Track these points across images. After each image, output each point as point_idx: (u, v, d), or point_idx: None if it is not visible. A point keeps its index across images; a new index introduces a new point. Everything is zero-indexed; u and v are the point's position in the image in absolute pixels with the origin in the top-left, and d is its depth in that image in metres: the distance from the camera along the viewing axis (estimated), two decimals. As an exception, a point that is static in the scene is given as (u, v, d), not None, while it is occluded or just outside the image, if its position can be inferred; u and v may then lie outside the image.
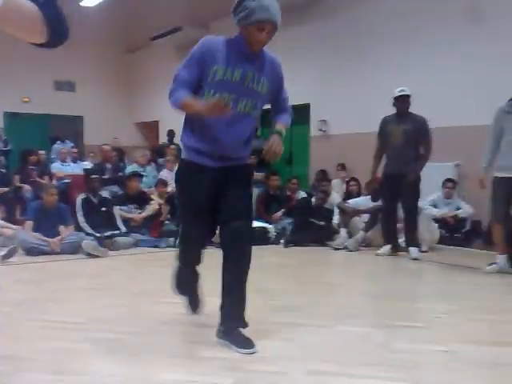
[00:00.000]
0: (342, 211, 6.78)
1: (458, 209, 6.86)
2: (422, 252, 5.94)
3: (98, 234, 6.09)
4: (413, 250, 5.73)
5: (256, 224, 6.98)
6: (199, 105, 2.63)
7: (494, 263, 4.95)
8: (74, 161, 9.32)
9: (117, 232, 6.32)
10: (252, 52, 2.75)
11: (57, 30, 1.40)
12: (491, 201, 4.93)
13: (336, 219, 6.90)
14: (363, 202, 6.78)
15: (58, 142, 11.04)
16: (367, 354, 2.75)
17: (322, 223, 6.91)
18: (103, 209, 6.48)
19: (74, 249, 5.74)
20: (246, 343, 2.74)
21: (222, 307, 2.85)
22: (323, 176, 8.38)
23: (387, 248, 5.94)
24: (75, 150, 9.87)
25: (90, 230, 6.12)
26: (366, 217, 6.66)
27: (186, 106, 2.70)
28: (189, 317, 3.36)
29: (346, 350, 2.81)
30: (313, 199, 7.19)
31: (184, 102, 2.68)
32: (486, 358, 2.71)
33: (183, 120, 2.89)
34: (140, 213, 6.83)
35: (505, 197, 4.84)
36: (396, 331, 3.16)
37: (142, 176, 7.55)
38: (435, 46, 7.51)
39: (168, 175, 8.35)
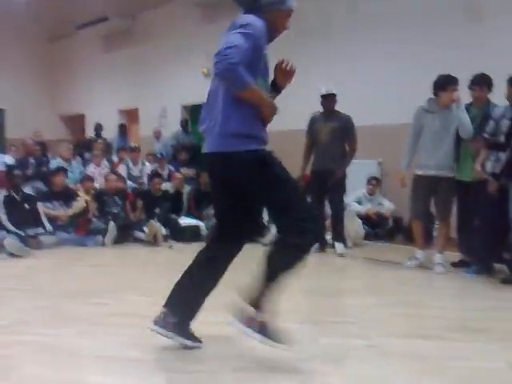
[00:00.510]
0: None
1: (380, 205, 7.15)
2: (347, 248, 6.15)
3: (21, 233, 5.84)
4: (339, 246, 5.93)
5: (187, 221, 6.98)
6: (266, 100, 2.54)
7: (414, 258, 5.21)
8: (-5, 156, 8.86)
9: (41, 231, 6.09)
10: (273, 38, 2.70)
11: None
12: (411, 198, 5.17)
13: (266, 216, 6.97)
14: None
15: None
16: (295, 349, 2.83)
17: (253, 220, 6.98)
18: (27, 206, 6.22)
19: (-5, 248, 5.49)
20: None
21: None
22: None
23: (315, 245, 6.08)
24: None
25: (12, 229, 5.86)
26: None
27: (252, 93, 2.45)
28: (117, 318, 3.33)
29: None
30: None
31: (253, 88, 2.44)
32: (409, 351, 2.86)
33: (227, 106, 2.52)
34: (66, 210, 6.61)
35: (424, 194, 5.08)
36: (322, 326, 3.27)
37: (67, 171, 7.31)
38: (360, 46, 7.76)
39: (95, 170, 8.15)
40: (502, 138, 4.58)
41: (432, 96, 5.02)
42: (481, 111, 4.97)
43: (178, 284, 2.79)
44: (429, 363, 2.70)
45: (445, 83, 4.91)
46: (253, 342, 2.55)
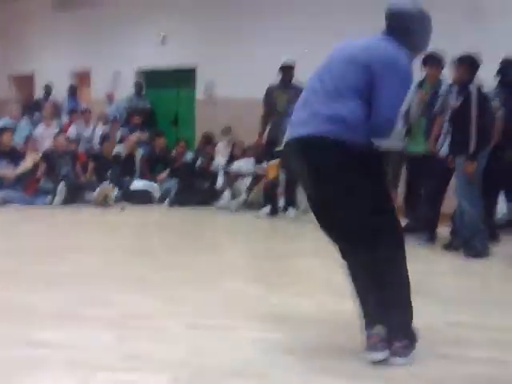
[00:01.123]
0: (226, 174, 6.89)
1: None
2: (300, 213, 6.24)
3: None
4: (291, 211, 6.03)
5: (140, 184, 6.90)
6: None
7: None
8: None
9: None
10: None
11: None
12: None
13: (220, 181, 7.01)
14: (247, 165, 6.93)
15: None
16: (244, 308, 2.88)
17: (207, 185, 6.99)
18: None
19: None
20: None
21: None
22: (209, 139, 8.41)
23: (266, 209, 6.17)
24: None
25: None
26: (248, 179, 6.83)
27: None
28: (69, 277, 3.29)
29: (224, 305, 2.93)
30: (198, 161, 7.22)
31: None
32: (352, 310, 2.95)
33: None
34: (13, 169, 6.41)
35: None
36: (270, 286, 3.33)
37: (14, 131, 7.05)
38: (326, 18, 7.75)
39: (44, 131, 7.90)
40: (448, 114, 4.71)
41: None
42: (433, 88, 5.09)
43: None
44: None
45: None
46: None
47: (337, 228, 2.46)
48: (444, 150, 4.72)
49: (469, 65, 4.41)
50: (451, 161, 4.51)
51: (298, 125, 2.40)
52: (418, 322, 2.56)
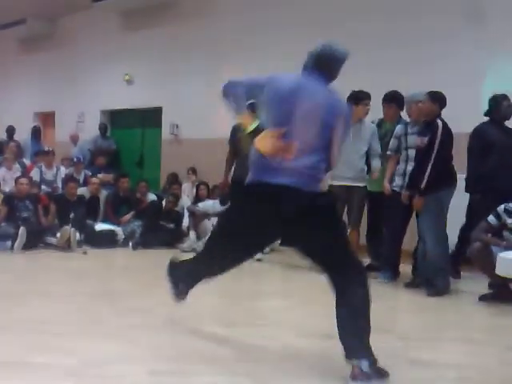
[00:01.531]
0: (192, 214, 6.88)
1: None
2: (264, 253, 6.25)
3: None
4: (257, 252, 6.02)
5: (104, 226, 6.81)
6: None
7: None
8: None
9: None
10: None
11: None
12: None
13: (186, 222, 6.98)
14: (212, 205, 6.94)
15: None
16: (207, 352, 2.85)
17: (172, 226, 6.95)
18: None
19: None
20: None
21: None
22: (174, 179, 8.43)
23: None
24: None
25: None
26: (214, 220, 6.82)
27: None
28: (25, 323, 3.20)
29: (187, 350, 2.88)
30: (163, 202, 7.20)
31: None
32: (317, 351, 2.96)
33: None
34: (-28, 214, 6.25)
35: (338, 203, 5.28)
36: (237, 329, 3.31)
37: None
38: (294, 59, 7.94)
39: (6, 174, 7.77)
40: (405, 153, 4.85)
41: None
42: (392, 127, 5.25)
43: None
44: (335, 362, 2.79)
45: (358, 98, 5.18)
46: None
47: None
48: (398, 185, 4.85)
49: (437, 100, 4.55)
50: (406, 197, 4.61)
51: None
52: (380, 358, 2.59)
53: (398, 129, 4.98)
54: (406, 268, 4.96)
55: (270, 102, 2.63)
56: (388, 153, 5.05)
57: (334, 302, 2.56)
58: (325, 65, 2.64)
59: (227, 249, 2.74)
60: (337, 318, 2.54)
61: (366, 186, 5.29)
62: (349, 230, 5.52)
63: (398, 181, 4.89)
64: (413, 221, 4.86)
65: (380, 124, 5.40)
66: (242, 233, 2.60)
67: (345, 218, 5.49)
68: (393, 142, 4.99)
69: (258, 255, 5.95)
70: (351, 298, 2.54)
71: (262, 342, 3.07)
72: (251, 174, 2.62)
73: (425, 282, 4.49)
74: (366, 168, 5.28)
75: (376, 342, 2.59)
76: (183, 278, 3.04)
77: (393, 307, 4.12)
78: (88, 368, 2.54)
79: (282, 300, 4.21)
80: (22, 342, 2.86)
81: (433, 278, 4.42)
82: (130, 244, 6.59)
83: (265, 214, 2.51)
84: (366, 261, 5.45)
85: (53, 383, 2.37)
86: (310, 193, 2.51)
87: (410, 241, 4.99)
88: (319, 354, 2.91)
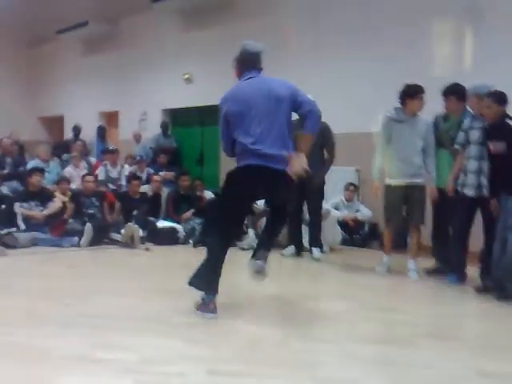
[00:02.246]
0: (251, 212, 6.89)
1: (358, 211, 7.23)
2: (324, 252, 6.19)
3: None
4: (315, 251, 5.97)
5: (165, 224, 6.95)
6: None
7: (382, 263, 5.27)
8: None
9: (14, 229, 6.02)
10: None
11: None
12: (384, 206, 5.24)
13: (244, 220, 6.99)
14: (271, 203, 6.93)
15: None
16: (268, 354, 2.85)
17: (230, 224, 6.99)
18: (3, 206, 6.15)
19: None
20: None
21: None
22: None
23: (291, 248, 6.13)
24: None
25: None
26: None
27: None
28: (89, 319, 3.30)
29: (247, 350, 2.89)
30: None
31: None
32: (380, 356, 2.89)
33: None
34: (42, 210, 6.54)
35: (396, 203, 5.15)
36: (294, 330, 3.28)
37: (44, 171, 7.23)
38: (338, 58, 7.86)
39: (73, 172, 8.08)
40: (472, 148, 4.65)
41: (397, 105, 5.08)
42: (456, 120, 5.03)
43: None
44: (396, 369, 2.72)
45: (413, 92, 4.99)
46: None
47: None
48: (461, 184, 4.66)
49: (502, 101, 4.36)
50: (494, 203, 4.36)
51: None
52: (445, 368, 2.49)
53: (467, 122, 4.76)
54: (471, 271, 4.76)
55: (235, 118, 3.45)
56: (456, 147, 4.82)
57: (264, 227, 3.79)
58: (249, 61, 3.58)
59: (230, 213, 3.52)
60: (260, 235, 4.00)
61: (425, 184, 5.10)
62: (411, 231, 5.36)
63: (462, 178, 4.70)
64: (477, 222, 4.66)
65: (445, 117, 5.19)
66: (240, 196, 3.47)
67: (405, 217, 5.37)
68: (460, 136, 4.75)
69: (317, 255, 5.91)
70: (274, 227, 3.72)
71: (319, 345, 3.02)
72: (242, 161, 3.44)
73: (496, 285, 4.28)
74: (423, 164, 5.08)
75: (444, 349, 2.49)
76: (202, 283, 3.48)
77: (459, 313, 3.96)
78: (149, 365, 2.59)
79: (339, 302, 4.14)
80: (86, 338, 2.95)
81: (504, 281, 4.21)
82: (191, 241, 6.70)
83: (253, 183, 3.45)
84: (430, 263, 5.31)
85: (114, 379, 2.42)
86: (276, 169, 3.39)
87: (475, 243, 4.79)
88: (378, 358, 2.85)
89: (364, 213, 7.20)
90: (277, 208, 3.67)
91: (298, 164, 3.39)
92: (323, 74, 7.88)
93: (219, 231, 3.58)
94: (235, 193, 3.47)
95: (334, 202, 7.19)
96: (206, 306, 3.37)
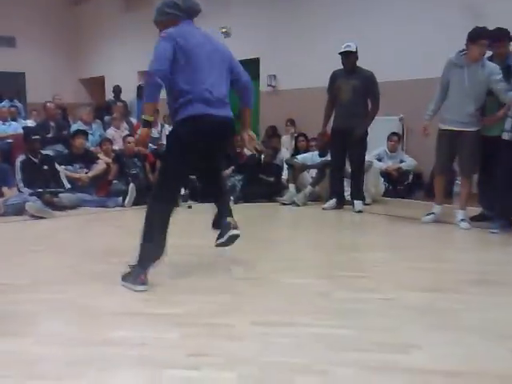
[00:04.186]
0: (291, 167, 6.86)
1: (402, 162, 7.07)
2: (366, 205, 6.11)
3: (40, 190, 5.94)
4: (357, 203, 5.90)
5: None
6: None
7: (432, 213, 5.16)
8: (14, 119, 8.95)
9: (61, 189, 6.19)
10: None
11: None
12: (435, 152, 5.08)
13: (285, 175, 6.98)
14: (311, 157, 6.87)
15: (6, 100, 10.51)
16: (310, 304, 2.86)
17: (272, 179, 6.99)
18: (45, 167, 6.30)
19: (18, 210, 5.59)
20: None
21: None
22: (273, 132, 8.42)
23: (333, 202, 6.08)
24: (13, 109, 9.44)
25: (29, 191, 5.94)
26: (313, 172, 6.76)
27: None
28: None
29: (289, 301, 2.91)
30: (262, 156, 7.23)
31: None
32: (424, 304, 2.87)
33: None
34: (87, 172, 6.69)
35: (448, 149, 4.99)
36: (338, 281, 3.28)
37: (87, 134, 7.35)
38: (383, 3, 7.53)
39: (115, 133, 8.18)
40: None
41: (463, 48, 4.83)
42: (502, 66, 4.79)
43: None
44: (443, 316, 2.70)
45: (475, 36, 4.69)
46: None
47: None
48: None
49: None
50: None
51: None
52: (492, 313, 2.44)
53: None
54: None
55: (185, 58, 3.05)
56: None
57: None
58: (192, 10, 3.28)
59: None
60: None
61: (478, 131, 4.90)
62: (460, 180, 5.20)
63: (506, 125, 4.52)
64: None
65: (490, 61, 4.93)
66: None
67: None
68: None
69: (360, 207, 5.84)
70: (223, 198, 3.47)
71: (362, 294, 3.01)
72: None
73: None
74: (475, 112, 4.86)
75: (492, 295, 2.41)
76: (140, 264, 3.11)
77: (506, 260, 3.86)
78: (194, 318, 2.65)
79: (383, 252, 4.10)
80: (132, 294, 3.03)
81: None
82: (232, 198, 6.73)
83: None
84: (477, 210, 5.18)
85: (162, 332, 2.48)
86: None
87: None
88: (422, 306, 2.81)
89: (408, 163, 7.04)
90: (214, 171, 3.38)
91: (253, 141, 3.30)
92: (377, 21, 7.60)
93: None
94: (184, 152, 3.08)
95: (376, 153, 7.05)
96: (137, 277, 3.06)
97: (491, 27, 4.81)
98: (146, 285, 3.05)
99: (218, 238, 3.31)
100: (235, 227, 3.26)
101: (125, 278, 3.14)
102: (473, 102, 4.82)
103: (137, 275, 3.07)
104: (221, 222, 3.30)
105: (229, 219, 3.28)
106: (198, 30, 3.24)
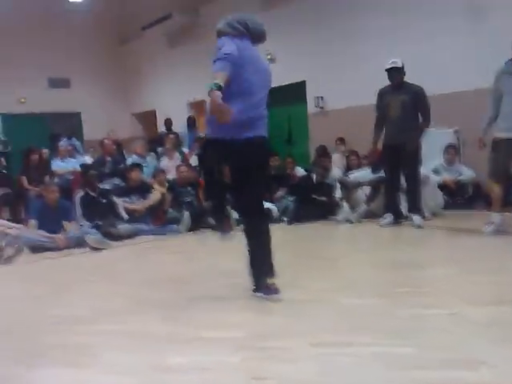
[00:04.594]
0: (344, 185, 6.78)
1: (460, 174, 6.85)
2: (425, 219, 5.94)
3: (99, 223, 6.13)
4: (416, 218, 5.73)
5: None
6: None
7: (491, 223, 4.96)
8: (73, 157, 9.32)
9: (119, 221, 6.36)
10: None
11: None
12: (490, 160, 4.95)
13: (338, 193, 6.90)
14: (364, 174, 6.76)
15: (64, 139, 11.01)
16: (369, 323, 2.78)
17: (324, 198, 6.92)
18: (103, 201, 6.51)
19: (79, 243, 5.78)
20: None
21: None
22: (323, 152, 8.36)
23: (389, 218, 5.94)
24: (70, 147, 9.84)
25: (89, 224, 6.15)
26: (367, 189, 6.65)
27: None
28: (192, 301, 3.39)
29: (347, 321, 2.84)
30: (313, 175, 7.18)
31: None
32: (488, 318, 2.73)
33: None
34: (143, 202, 6.85)
35: (504, 157, 4.84)
36: (397, 298, 3.17)
37: (142, 166, 7.56)
38: (428, 18, 7.43)
39: (168, 163, 8.36)
40: None
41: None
42: None
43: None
44: (509, 329, 2.57)
45: None
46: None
47: None
48: None
49: None
50: None
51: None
52: None
53: None
54: None
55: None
56: None
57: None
58: (256, 35, 3.41)
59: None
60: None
61: None
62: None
63: None
64: None
65: None
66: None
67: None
68: None
69: (419, 222, 5.67)
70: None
71: (423, 310, 2.90)
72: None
73: None
74: None
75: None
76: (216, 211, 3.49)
77: None
78: (253, 341, 2.62)
79: (444, 266, 3.95)
80: (193, 320, 3.03)
81: None
82: (285, 219, 6.70)
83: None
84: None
85: (221, 356, 2.47)
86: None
87: None
88: (487, 320, 2.67)
89: (466, 174, 6.81)
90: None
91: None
92: (421, 36, 7.52)
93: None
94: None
95: (433, 166, 6.87)
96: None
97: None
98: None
99: (256, 289, 3.33)
100: (276, 291, 3.22)
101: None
102: None
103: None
104: (261, 282, 3.28)
105: (269, 282, 3.24)
106: (254, 49, 3.38)
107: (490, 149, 4.94)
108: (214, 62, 3.07)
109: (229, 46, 3.12)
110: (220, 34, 3.37)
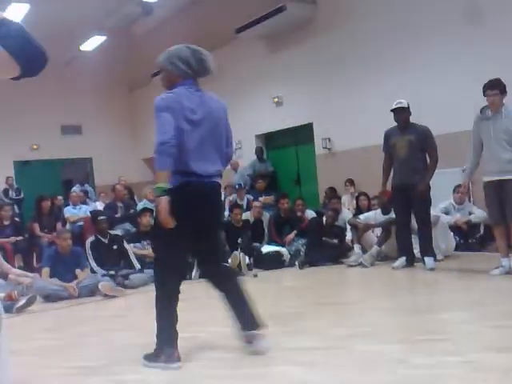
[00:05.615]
0: (354, 227, 6.77)
1: (471, 214, 6.83)
2: (438, 261, 5.90)
3: (112, 272, 6.13)
4: (428, 261, 5.69)
5: (270, 248, 7.00)
6: None
7: (500, 266, 4.93)
8: (84, 203, 9.43)
9: (131, 270, 6.36)
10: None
11: (26, 59, 1.37)
12: (486, 205, 5.11)
13: (349, 236, 6.89)
14: (374, 216, 6.76)
15: (77, 185, 11.16)
16: (386, 372, 2.74)
17: (335, 241, 6.90)
18: (114, 246, 6.53)
19: (92, 291, 5.78)
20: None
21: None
22: (332, 193, 8.40)
23: (402, 260, 5.90)
24: (81, 194, 9.96)
25: (102, 273, 6.16)
26: (378, 231, 6.64)
27: None
28: (210, 350, 3.36)
29: (363, 370, 2.79)
30: (324, 218, 7.19)
31: None
32: (508, 364, 2.68)
33: None
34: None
35: (495, 199, 4.94)
36: (415, 345, 3.13)
37: (152, 211, 7.60)
38: (434, 57, 7.57)
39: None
40: None
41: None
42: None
43: None
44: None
45: (484, 88, 4.93)
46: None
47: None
48: None
49: None
50: None
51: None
52: None
53: None
54: None
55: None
56: None
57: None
58: (202, 69, 3.19)
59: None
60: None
61: None
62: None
63: None
64: None
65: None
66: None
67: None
68: None
69: (431, 264, 5.63)
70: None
71: (442, 358, 2.86)
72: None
73: None
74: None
75: None
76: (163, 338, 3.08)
77: None
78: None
79: (459, 311, 3.90)
80: (210, 370, 2.99)
81: None
82: (296, 263, 6.68)
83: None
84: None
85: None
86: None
87: None
88: (507, 366, 2.63)
89: (477, 214, 6.78)
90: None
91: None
92: (426, 76, 7.66)
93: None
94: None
95: (443, 206, 6.86)
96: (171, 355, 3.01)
97: None
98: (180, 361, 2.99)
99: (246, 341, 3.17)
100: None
101: (151, 358, 3.07)
102: (503, 149, 4.86)
103: (170, 354, 3.00)
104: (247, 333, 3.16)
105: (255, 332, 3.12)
106: (197, 93, 3.15)
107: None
108: (154, 153, 2.92)
109: (163, 126, 2.96)
110: (161, 70, 3.19)
